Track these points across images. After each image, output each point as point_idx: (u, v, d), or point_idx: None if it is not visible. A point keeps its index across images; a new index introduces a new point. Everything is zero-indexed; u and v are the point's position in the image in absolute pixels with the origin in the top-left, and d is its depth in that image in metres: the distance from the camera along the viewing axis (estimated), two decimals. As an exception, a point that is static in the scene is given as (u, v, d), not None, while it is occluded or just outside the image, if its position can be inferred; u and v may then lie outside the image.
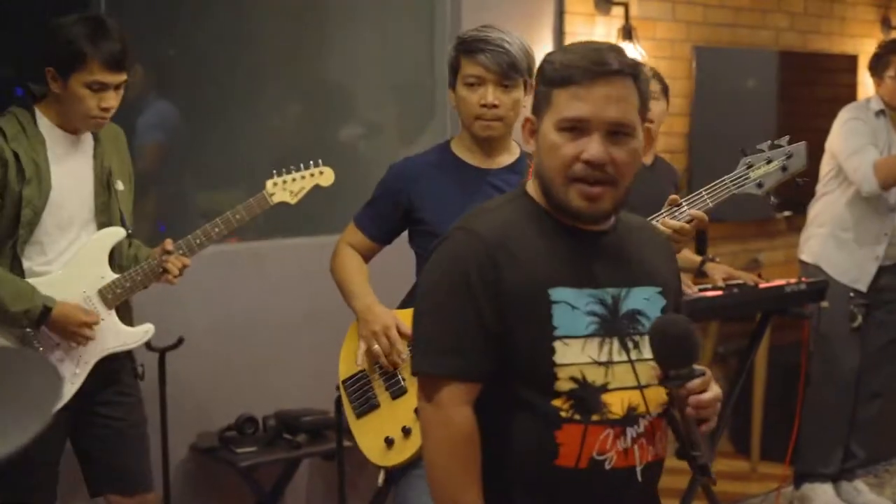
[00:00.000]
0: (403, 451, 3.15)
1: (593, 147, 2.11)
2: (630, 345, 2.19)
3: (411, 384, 3.14)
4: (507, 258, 2.15)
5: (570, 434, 2.14)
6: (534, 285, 2.14)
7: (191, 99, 4.72)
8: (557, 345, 2.13)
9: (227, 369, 4.46)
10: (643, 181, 4.23)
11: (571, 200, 2.15)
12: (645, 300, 2.24)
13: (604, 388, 2.15)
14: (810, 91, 6.45)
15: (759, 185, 3.09)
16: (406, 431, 3.14)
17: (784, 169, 3.09)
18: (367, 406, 3.24)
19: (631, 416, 2.17)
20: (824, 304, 4.58)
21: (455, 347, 2.15)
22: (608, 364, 2.16)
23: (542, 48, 5.29)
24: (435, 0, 5.16)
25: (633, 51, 5.50)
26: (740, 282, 4.32)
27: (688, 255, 4.42)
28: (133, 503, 3.64)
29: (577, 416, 2.13)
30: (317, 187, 3.71)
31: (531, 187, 2.27)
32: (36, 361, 1.83)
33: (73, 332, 3.41)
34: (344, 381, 3.30)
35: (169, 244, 3.54)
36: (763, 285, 4.33)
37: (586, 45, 2.23)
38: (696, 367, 2.14)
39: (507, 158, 3.28)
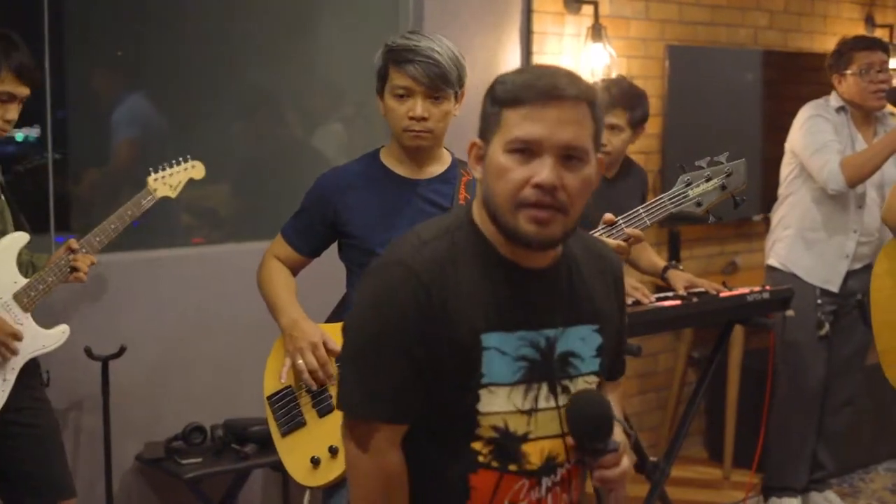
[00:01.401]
0: (330, 472, 3.06)
1: (544, 171, 1.99)
2: (559, 390, 2.12)
3: (340, 402, 3.05)
4: (442, 300, 2.04)
5: (484, 479, 2.08)
6: (466, 330, 2.04)
7: (167, 95, 4.66)
8: (483, 392, 2.05)
9: (174, 378, 4.36)
10: (602, 197, 4.17)
11: (520, 226, 2.02)
12: (580, 340, 2.16)
13: (525, 438, 2.09)
14: (793, 90, 6.33)
15: (698, 204, 3.01)
16: (333, 451, 3.05)
17: (723, 187, 3.01)
18: (293, 424, 3.15)
19: (549, 466, 2.12)
20: (789, 312, 4.47)
21: (386, 392, 2.04)
22: (532, 412, 2.09)
23: (509, 48, 5.19)
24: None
25: (602, 51, 5.40)
26: (701, 290, 4.21)
27: (652, 260, 4.32)
28: None
29: (494, 463, 2.08)
30: (191, 180, 3.87)
31: (477, 215, 2.14)
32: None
33: (1, 342, 3.39)
34: (269, 398, 3.21)
35: (74, 244, 3.57)
36: (724, 294, 4.22)
37: (541, 67, 2.14)
38: (613, 440, 2.09)
39: (437, 168, 3.17)
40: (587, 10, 5.46)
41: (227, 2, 4.88)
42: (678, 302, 4.11)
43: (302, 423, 3.13)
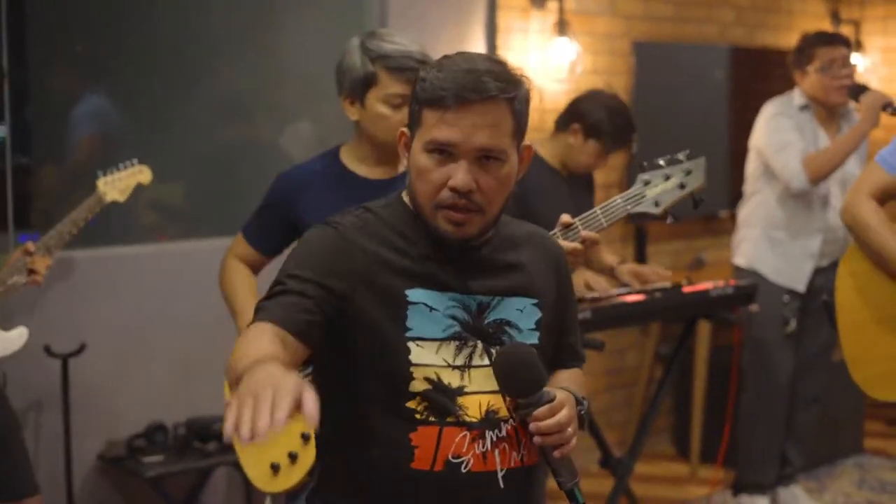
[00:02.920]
0: (290, 477, 3.02)
1: (459, 175, 2.07)
2: (494, 351, 2.14)
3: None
4: (366, 255, 2.12)
5: (424, 436, 2.10)
6: (391, 283, 2.11)
7: (128, 92, 4.61)
8: (412, 346, 2.10)
9: (135, 375, 4.32)
10: (560, 193, 4.13)
11: (440, 225, 2.12)
12: (518, 311, 2.20)
13: (460, 391, 2.12)
14: (760, 86, 6.32)
15: (656, 204, 2.97)
16: (292, 457, 3.00)
17: (682, 186, 2.96)
18: None
19: (490, 420, 2.13)
20: (754, 307, 4.46)
21: (290, 301, 2.06)
22: (465, 368, 2.13)
23: (473, 43, 5.17)
24: (363, -4, 5.06)
25: (568, 45, 5.39)
26: (664, 285, 4.20)
27: (603, 260, 4.29)
28: None
29: (431, 418, 2.10)
30: (139, 185, 3.95)
31: (407, 197, 2.22)
32: None
33: None
34: (228, 403, 3.16)
35: (31, 246, 3.58)
36: (687, 289, 4.20)
37: (464, 61, 2.12)
38: (548, 392, 2.09)
39: (395, 170, 3.13)
40: (552, 5, 5.45)
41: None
42: (642, 296, 4.10)
43: None
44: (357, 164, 3.13)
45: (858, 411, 6.02)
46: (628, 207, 2.97)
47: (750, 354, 5.05)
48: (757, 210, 5.05)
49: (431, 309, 2.12)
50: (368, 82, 3.02)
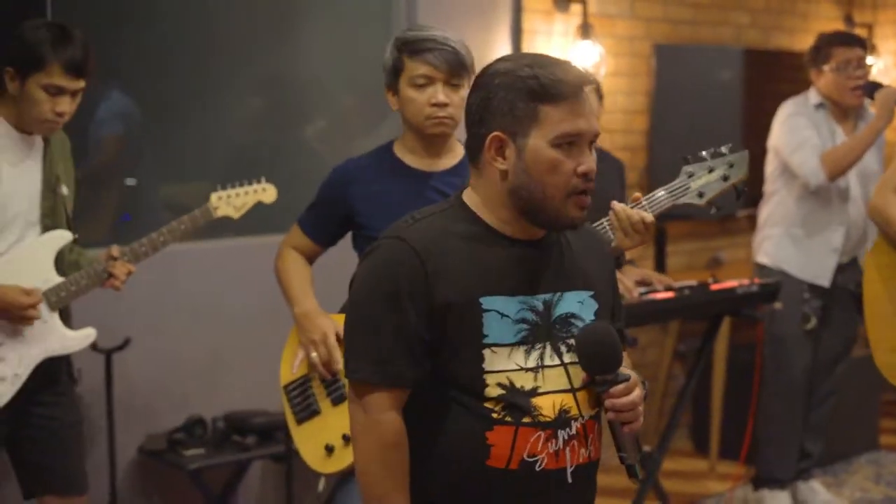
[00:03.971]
0: (343, 458, 3.15)
1: (589, 160, 2.18)
2: (563, 349, 2.23)
3: (352, 390, 3.12)
4: (437, 266, 2.17)
5: (501, 435, 2.18)
6: (465, 294, 2.17)
7: (151, 92, 4.68)
8: (486, 352, 2.17)
9: (176, 370, 4.41)
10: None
11: (570, 212, 2.20)
12: (578, 303, 2.28)
13: (534, 392, 2.19)
14: (775, 88, 6.43)
15: (700, 195, 3.05)
16: (346, 439, 3.13)
17: (725, 178, 3.05)
18: (307, 412, 3.23)
19: (563, 419, 2.21)
20: (777, 304, 4.56)
21: (383, 357, 2.17)
22: (538, 369, 2.20)
23: (499, 46, 5.27)
24: (391, -3, 5.15)
25: (591, 48, 5.49)
26: (692, 283, 4.30)
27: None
28: None
29: (508, 418, 2.18)
30: (259, 203, 3.75)
31: (469, 197, 2.28)
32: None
33: (18, 314, 3.38)
34: (285, 387, 3.30)
35: (115, 250, 3.56)
36: (714, 287, 4.31)
37: (548, 58, 2.23)
38: (623, 371, 2.20)
39: (449, 160, 3.23)
40: (575, 8, 5.55)
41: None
42: (670, 294, 4.19)
43: (316, 412, 3.21)
44: (409, 155, 3.23)
45: (873, 408, 6.12)
46: (674, 198, 3.05)
47: (769, 350, 5.14)
48: (777, 209, 5.13)
49: (503, 315, 2.19)
50: (398, 70, 3.15)
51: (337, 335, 3.17)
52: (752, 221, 5.36)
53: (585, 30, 5.51)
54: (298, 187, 4.42)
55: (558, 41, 5.51)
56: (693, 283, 4.32)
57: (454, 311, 2.16)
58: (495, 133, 2.19)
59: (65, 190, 3.56)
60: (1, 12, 3.97)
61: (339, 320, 3.14)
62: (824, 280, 5.03)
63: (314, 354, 3.18)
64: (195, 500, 4.37)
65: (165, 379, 4.39)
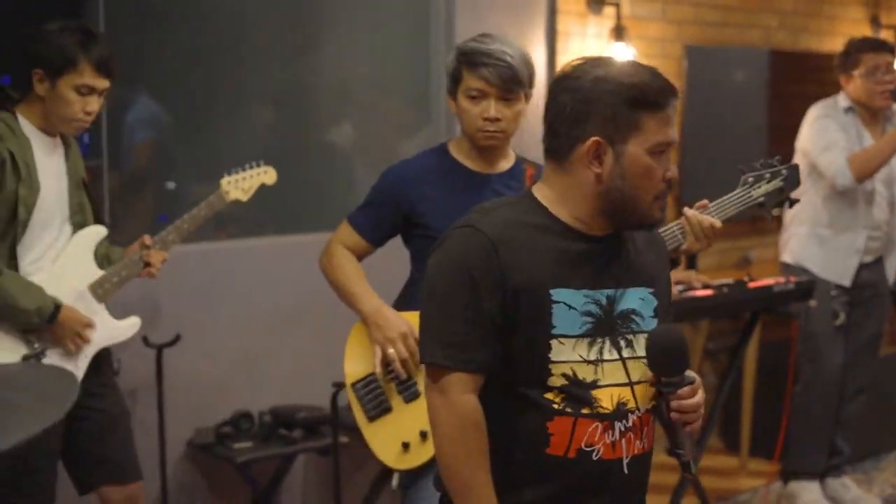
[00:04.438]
0: (420, 455, 3.20)
1: (672, 167, 2.30)
2: (622, 343, 2.31)
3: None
4: (510, 255, 2.25)
5: (560, 425, 2.26)
6: (536, 284, 2.25)
7: (183, 96, 4.77)
8: (553, 343, 2.25)
9: (224, 366, 4.50)
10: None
11: (654, 214, 2.31)
12: (640, 300, 2.36)
13: (594, 385, 2.27)
14: (801, 89, 6.51)
15: (761, 204, 3.16)
16: (423, 435, 3.18)
17: (782, 189, 3.16)
18: (379, 409, 3.27)
19: (620, 411, 2.29)
20: (812, 302, 4.64)
21: (459, 340, 2.25)
22: (598, 362, 2.28)
23: (534, 47, 5.34)
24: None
25: (624, 50, 5.56)
26: (729, 281, 4.38)
27: None
28: (127, 492, 3.70)
29: (568, 409, 2.26)
30: (263, 185, 3.94)
31: (540, 191, 2.35)
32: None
33: (77, 332, 3.49)
34: (353, 385, 3.32)
35: (147, 239, 3.69)
36: (752, 285, 4.39)
37: (642, 65, 2.32)
38: (688, 374, 2.29)
39: (505, 164, 3.32)
40: (609, 11, 5.63)
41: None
42: (709, 292, 4.27)
43: (388, 409, 3.26)
44: (466, 158, 3.31)
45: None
46: (739, 206, 3.13)
47: (803, 347, 5.21)
48: (804, 209, 5.20)
49: (570, 307, 2.27)
50: (456, 79, 3.24)
51: (414, 335, 3.20)
52: (780, 221, 5.43)
53: (619, 32, 5.59)
54: (333, 188, 4.51)
55: (592, 43, 5.59)
56: (730, 281, 4.40)
57: (525, 299, 2.24)
58: (596, 138, 2.25)
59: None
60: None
61: (411, 319, 3.22)
62: (845, 280, 5.11)
63: (391, 351, 3.23)
64: (242, 492, 4.46)
65: (213, 374, 4.47)
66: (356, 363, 3.34)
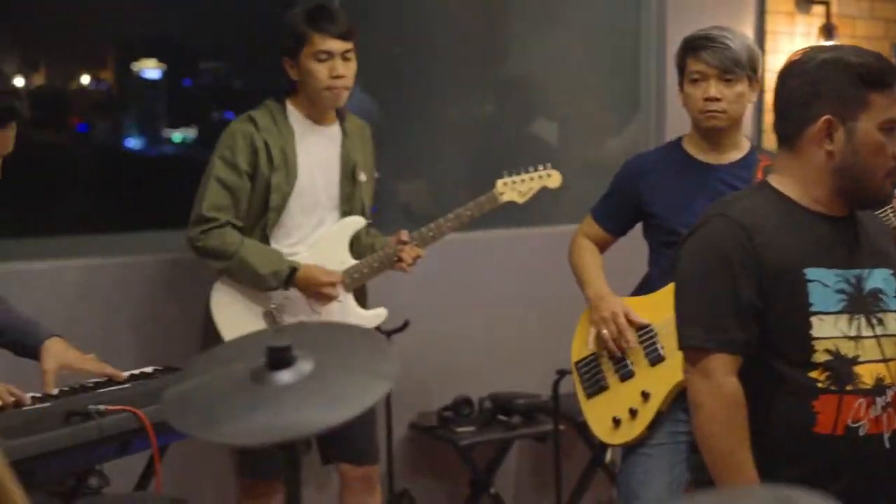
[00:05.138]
0: (630, 431, 3.34)
1: None
2: (874, 321, 2.40)
3: (638, 368, 3.35)
4: (763, 240, 2.37)
5: (826, 403, 2.36)
6: (790, 264, 2.37)
7: (390, 93, 4.94)
8: (814, 320, 2.35)
9: (447, 352, 4.67)
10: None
11: (886, 190, 2.40)
12: (883, 280, 2.46)
13: (855, 361, 2.37)
14: None
15: None
16: (633, 412, 3.33)
17: None
18: (596, 387, 3.43)
19: (880, 387, 2.39)
20: None
21: (718, 323, 2.36)
22: (857, 338, 2.38)
23: (744, 46, 5.39)
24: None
25: (833, 49, 5.57)
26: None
27: None
28: (361, 473, 3.90)
29: (832, 387, 2.36)
30: (544, 188, 3.94)
31: (776, 180, 2.47)
32: (371, 334, 2.06)
33: (318, 291, 3.69)
34: (576, 363, 3.50)
35: (404, 235, 3.81)
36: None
37: (864, 49, 2.44)
38: None
39: (735, 154, 3.43)
40: (817, 10, 5.65)
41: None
42: None
43: (604, 387, 3.42)
44: (697, 150, 3.45)
45: None
46: None
47: None
48: None
49: (824, 285, 2.37)
50: (681, 69, 3.40)
51: (627, 316, 3.36)
52: None
53: (828, 30, 5.60)
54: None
55: (800, 42, 5.61)
56: None
57: (781, 280, 2.35)
58: (827, 117, 2.36)
59: (362, 177, 3.83)
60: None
61: (631, 303, 3.40)
62: None
63: (605, 331, 3.38)
64: (462, 474, 4.63)
65: (437, 360, 4.65)
66: (580, 344, 3.51)
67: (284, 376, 1.72)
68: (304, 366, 1.74)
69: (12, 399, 2.68)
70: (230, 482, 4.16)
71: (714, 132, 3.38)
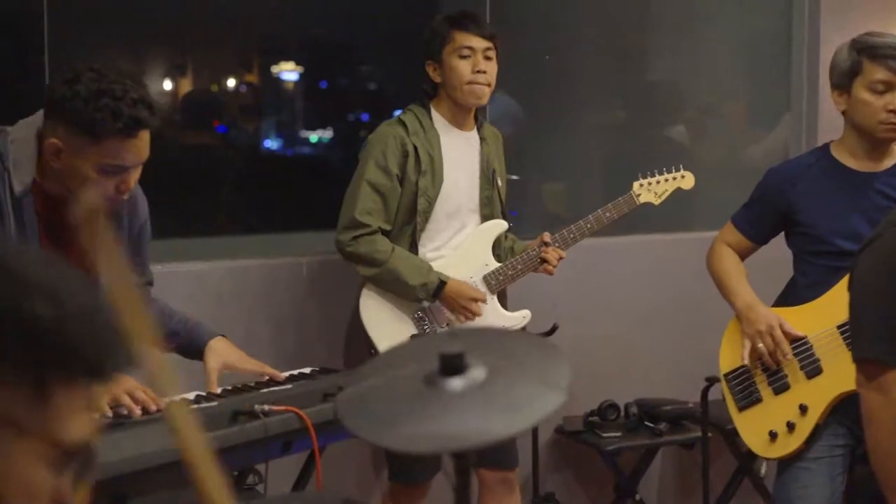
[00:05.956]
0: (787, 445, 3.29)
1: None
2: None
3: (794, 381, 3.29)
4: None
5: None
6: None
7: (532, 95, 4.97)
8: None
9: (594, 357, 4.66)
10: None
11: None
12: None
13: None
14: None
15: None
16: (790, 426, 3.27)
17: None
18: (749, 400, 3.39)
19: None
20: None
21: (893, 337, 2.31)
22: None
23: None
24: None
25: None
26: None
27: None
28: (500, 477, 3.91)
29: None
30: (678, 190, 3.95)
31: None
32: (543, 343, 2.05)
33: (463, 306, 3.71)
34: (726, 375, 3.46)
35: (547, 237, 3.83)
36: None
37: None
38: None
39: (889, 161, 3.36)
40: (976, 9, 5.49)
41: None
42: None
43: (758, 400, 3.37)
44: (847, 157, 3.37)
45: None
46: None
47: None
48: None
49: None
50: (854, 72, 3.28)
51: (782, 328, 3.31)
52: None
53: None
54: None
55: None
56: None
57: None
58: None
59: (499, 181, 3.87)
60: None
61: (783, 314, 3.34)
62: None
63: (761, 345, 3.33)
64: (607, 479, 4.62)
65: (584, 364, 4.63)
66: (730, 355, 3.46)
67: (457, 383, 1.71)
68: (477, 373, 1.74)
69: (138, 408, 2.55)
70: (371, 483, 4.20)
71: (886, 143, 3.31)
